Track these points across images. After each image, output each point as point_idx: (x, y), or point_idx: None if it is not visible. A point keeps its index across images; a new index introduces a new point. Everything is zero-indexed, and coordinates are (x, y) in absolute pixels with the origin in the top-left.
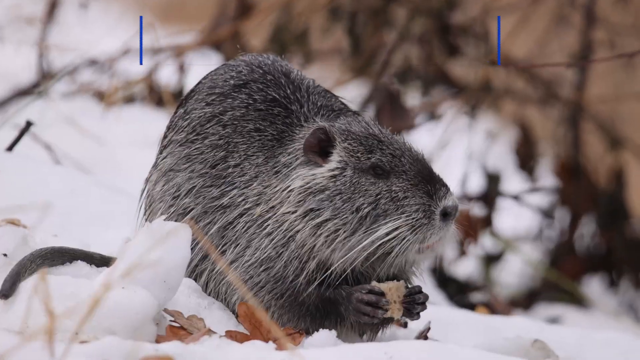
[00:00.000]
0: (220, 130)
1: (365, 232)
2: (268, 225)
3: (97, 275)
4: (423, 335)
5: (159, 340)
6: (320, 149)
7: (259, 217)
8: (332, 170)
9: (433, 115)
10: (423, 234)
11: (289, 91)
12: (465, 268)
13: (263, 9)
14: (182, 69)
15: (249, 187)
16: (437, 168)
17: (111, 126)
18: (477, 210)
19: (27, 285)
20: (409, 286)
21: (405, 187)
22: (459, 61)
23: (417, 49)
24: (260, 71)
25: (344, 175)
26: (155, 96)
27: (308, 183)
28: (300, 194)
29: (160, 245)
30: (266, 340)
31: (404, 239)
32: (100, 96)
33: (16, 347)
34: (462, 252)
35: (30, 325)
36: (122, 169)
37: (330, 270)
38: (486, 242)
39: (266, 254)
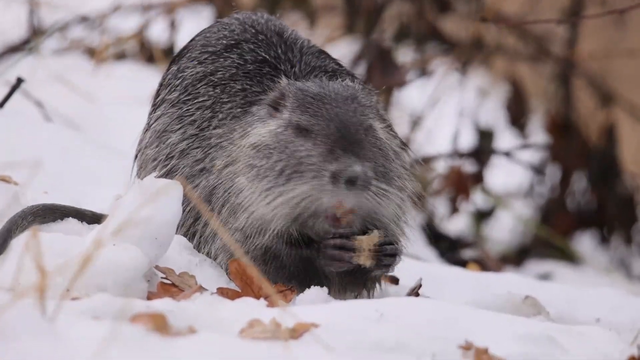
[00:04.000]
0: (210, 90)
1: (280, 192)
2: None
3: (89, 232)
4: (414, 292)
5: (150, 297)
6: (276, 107)
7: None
8: (275, 128)
9: (424, 72)
10: (321, 199)
11: (280, 51)
12: (457, 225)
13: None
14: (173, 25)
15: (223, 148)
16: (428, 125)
17: (102, 83)
18: (468, 166)
19: (18, 242)
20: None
21: (316, 151)
22: (450, 18)
23: (408, 6)
24: (253, 30)
25: (281, 133)
26: (146, 53)
27: (256, 140)
28: (250, 150)
29: (151, 203)
30: (257, 297)
31: (306, 201)
32: (91, 53)
33: (7, 304)
34: (454, 209)
35: (22, 282)
36: (112, 126)
37: (273, 230)
38: (477, 199)
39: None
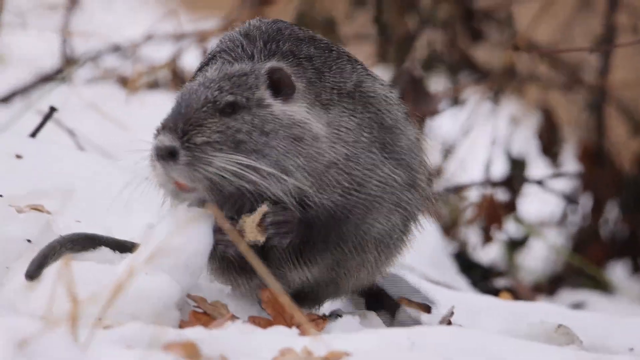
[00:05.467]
0: None
1: None
2: None
3: (121, 261)
4: (446, 321)
5: (182, 325)
6: None
7: None
8: None
9: (457, 101)
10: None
11: (240, 47)
12: (489, 253)
13: None
14: (205, 54)
15: None
16: (461, 153)
17: (134, 112)
18: (500, 195)
19: (50, 270)
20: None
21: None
22: (482, 46)
23: (441, 34)
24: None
25: None
26: (179, 82)
27: None
28: None
29: (183, 231)
30: (289, 326)
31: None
32: (124, 82)
33: (40, 333)
34: (487, 238)
35: (54, 310)
36: (145, 154)
37: None
38: (510, 228)
39: None
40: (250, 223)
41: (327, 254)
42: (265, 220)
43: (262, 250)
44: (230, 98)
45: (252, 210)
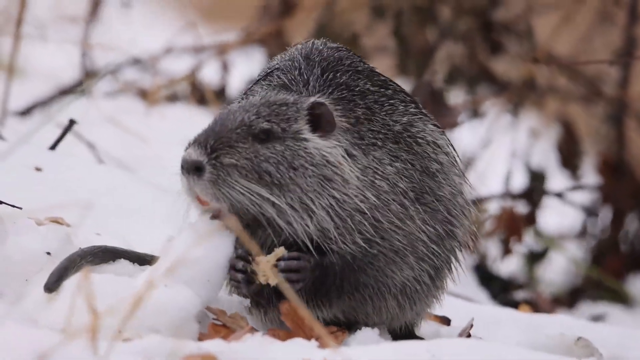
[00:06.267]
0: None
1: None
2: None
3: (140, 273)
4: (466, 333)
5: (201, 338)
6: None
7: None
8: None
9: (476, 113)
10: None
11: (297, 72)
12: (509, 266)
13: (306, 6)
14: (225, 67)
15: None
16: (480, 166)
17: (154, 125)
18: (520, 208)
19: (70, 282)
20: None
21: None
22: (501, 59)
23: (460, 47)
24: (287, 57)
25: None
26: (198, 95)
27: None
28: None
29: (203, 244)
30: (309, 338)
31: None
32: (143, 95)
33: (59, 345)
34: (506, 251)
35: (73, 323)
36: (164, 167)
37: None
38: (530, 240)
39: None
40: (264, 264)
41: (342, 299)
42: (279, 264)
43: (272, 292)
44: (265, 125)
45: (265, 243)
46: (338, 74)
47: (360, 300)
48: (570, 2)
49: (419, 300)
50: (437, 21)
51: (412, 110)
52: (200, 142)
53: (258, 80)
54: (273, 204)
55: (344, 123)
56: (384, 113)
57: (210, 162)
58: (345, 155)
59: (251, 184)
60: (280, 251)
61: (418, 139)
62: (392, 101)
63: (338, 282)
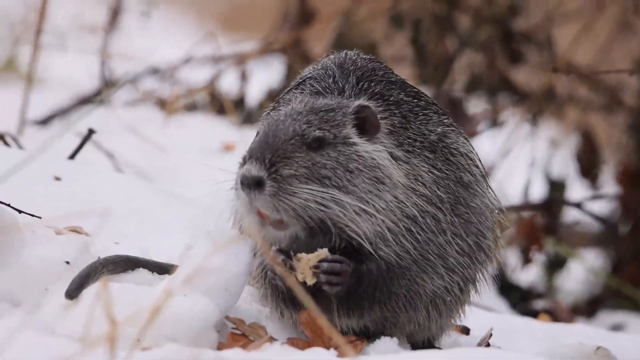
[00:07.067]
0: None
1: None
2: None
3: (159, 282)
4: (485, 343)
5: (220, 347)
6: None
7: None
8: None
9: (496, 122)
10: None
11: (331, 81)
12: (528, 275)
13: (325, 16)
14: (243, 77)
15: None
16: (500, 175)
17: (172, 134)
18: (540, 217)
19: (88, 291)
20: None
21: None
22: (521, 68)
23: (479, 56)
24: (319, 66)
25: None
26: (217, 104)
27: None
28: None
29: (221, 253)
30: (327, 348)
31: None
32: (162, 104)
33: (78, 354)
34: (526, 260)
35: (92, 332)
36: (183, 176)
37: (256, 248)
38: (549, 250)
39: None
40: (304, 263)
41: (374, 308)
42: (322, 265)
43: (312, 292)
44: (318, 133)
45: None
46: (372, 84)
47: (390, 310)
48: (590, 12)
49: (446, 313)
50: (457, 30)
51: (445, 121)
52: (257, 157)
53: (290, 89)
54: (337, 203)
55: (387, 127)
56: (419, 122)
57: (270, 176)
58: (391, 159)
59: (314, 187)
60: (323, 252)
61: (452, 150)
62: (425, 111)
63: (371, 291)
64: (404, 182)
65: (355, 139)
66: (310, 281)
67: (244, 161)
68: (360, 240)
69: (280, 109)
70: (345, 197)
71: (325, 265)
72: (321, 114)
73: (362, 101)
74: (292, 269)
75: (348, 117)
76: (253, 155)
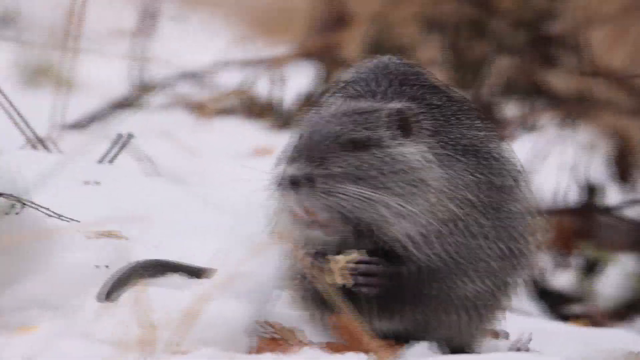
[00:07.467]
0: None
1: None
2: None
3: (194, 286)
4: (522, 347)
5: (254, 351)
6: None
7: None
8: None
9: (530, 127)
10: (288, 208)
11: (374, 85)
12: (564, 280)
13: (359, 20)
14: (277, 80)
15: None
16: (534, 179)
17: (206, 138)
18: (575, 222)
19: (125, 296)
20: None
21: (285, 163)
22: (555, 72)
23: (514, 60)
24: (360, 71)
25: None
26: (251, 108)
27: None
28: None
29: (256, 257)
30: (365, 352)
31: (282, 214)
32: (196, 108)
33: (113, 358)
34: (563, 265)
35: (128, 336)
36: (216, 180)
37: (287, 249)
38: (585, 254)
39: None
40: (341, 265)
41: (415, 311)
42: (358, 267)
43: (347, 294)
44: (361, 134)
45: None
46: (409, 87)
47: (423, 313)
48: (625, 15)
49: (481, 317)
50: (491, 34)
51: (479, 125)
52: (305, 155)
53: (326, 93)
54: (383, 205)
55: (425, 129)
56: (457, 125)
57: (320, 173)
58: (429, 161)
59: (362, 188)
60: (359, 254)
61: (493, 154)
62: (467, 115)
63: (405, 293)
64: (441, 184)
65: (399, 139)
66: (348, 283)
67: (291, 160)
68: (397, 243)
69: (319, 112)
70: (390, 199)
71: (361, 267)
72: (365, 116)
73: (402, 103)
74: (330, 271)
75: (391, 117)
76: (300, 154)
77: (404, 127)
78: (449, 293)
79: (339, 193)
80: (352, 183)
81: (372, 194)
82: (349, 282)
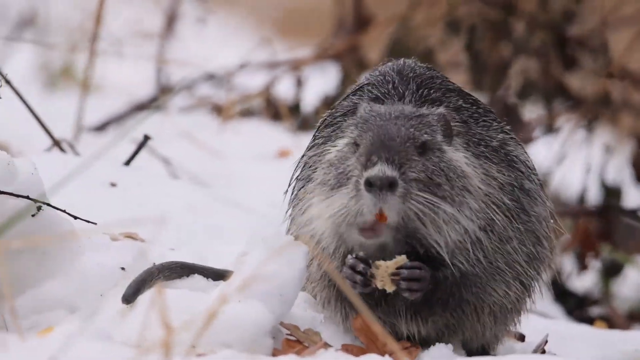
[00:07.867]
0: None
1: (326, 204)
2: None
3: (214, 288)
4: (540, 350)
5: (275, 353)
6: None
7: None
8: (341, 146)
9: (551, 128)
10: (359, 208)
11: (391, 86)
12: (584, 282)
13: (381, 21)
14: (299, 83)
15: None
16: (555, 181)
17: (228, 140)
18: (595, 223)
19: (144, 298)
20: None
21: (358, 162)
22: (576, 74)
23: (535, 62)
24: (378, 72)
25: (341, 150)
26: (273, 110)
27: (328, 158)
28: (324, 167)
29: (276, 259)
30: (382, 354)
31: (345, 212)
32: (218, 110)
33: None
34: (582, 266)
35: (147, 338)
36: (238, 182)
37: (325, 247)
38: (605, 256)
39: None
40: (384, 270)
41: (444, 315)
42: (402, 272)
43: (380, 298)
44: (425, 138)
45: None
46: (431, 90)
47: (457, 317)
48: None
49: (505, 319)
50: (512, 36)
51: (504, 128)
52: (386, 158)
53: (349, 95)
54: (445, 212)
55: (460, 132)
56: (480, 129)
57: (401, 177)
58: (477, 165)
59: (432, 196)
60: (402, 259)
61: (513, 157)
62: (485, 118)
63: (445, 297)
64: (483, 190)
65: (445, 145)
66: (390, 288)
67: (372, 162)
68: (439, 248)
69: (373, 111)
70: (450, 207)
71: (405, 272)
72: (420, 119)
73: (442, 109)
74: (372, 277)
75: (438, 123)
76: (382, 156)
77: (446, 132)
78: (483, 297)
79: (412, 200)
80: (425, 188)
81: (439, 201)
82: (392, 287)
